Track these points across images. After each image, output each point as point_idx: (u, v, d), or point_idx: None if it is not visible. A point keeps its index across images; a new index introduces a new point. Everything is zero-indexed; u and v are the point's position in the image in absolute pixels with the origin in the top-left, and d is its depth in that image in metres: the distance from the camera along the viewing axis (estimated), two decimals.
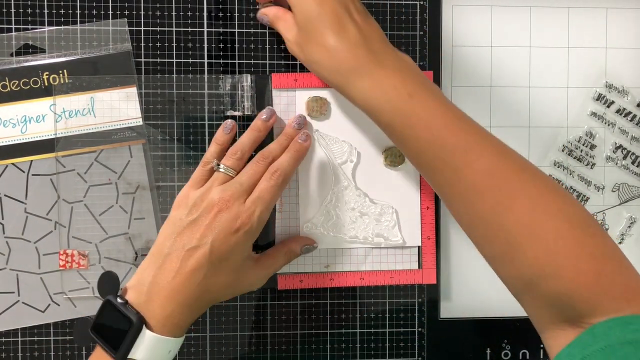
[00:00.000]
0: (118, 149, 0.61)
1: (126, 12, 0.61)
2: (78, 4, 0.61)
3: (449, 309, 0.65)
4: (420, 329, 0.65)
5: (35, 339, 0.61)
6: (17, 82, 0.60)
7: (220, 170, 0.57)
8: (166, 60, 0.62)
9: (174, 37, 0.62)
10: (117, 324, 0.52)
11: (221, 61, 0.62)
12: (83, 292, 0.61)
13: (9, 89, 0.60)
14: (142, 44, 0.61)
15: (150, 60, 0.61)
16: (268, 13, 0.60)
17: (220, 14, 0.62)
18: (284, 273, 0.63)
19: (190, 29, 0.62)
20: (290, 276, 0.63)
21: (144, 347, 0.51)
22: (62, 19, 0.60)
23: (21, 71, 0.60)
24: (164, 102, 0.61)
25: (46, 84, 0.60)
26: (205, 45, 0.62)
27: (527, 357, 0.65)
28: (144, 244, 0.61)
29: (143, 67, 0.61)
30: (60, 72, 0.60)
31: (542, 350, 0.65)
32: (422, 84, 0.54)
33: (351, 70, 0.54)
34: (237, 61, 0.62)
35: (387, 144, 0.63)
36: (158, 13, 0.61)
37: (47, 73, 0.60)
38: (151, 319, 0.52)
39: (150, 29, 0.61)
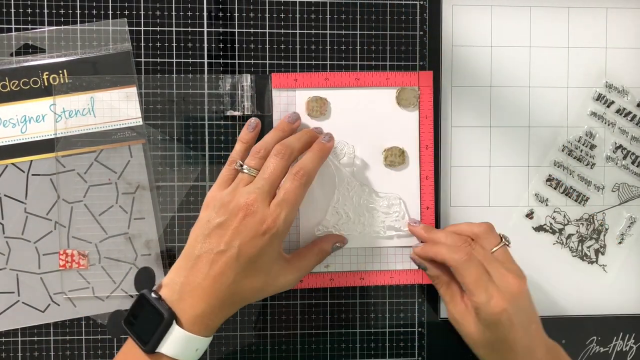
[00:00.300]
0: (118, 148, 0.61)
1: (126, 12, 0.61)
2: (78, 4, 0.61)
3: None
4: (420, 329, 0.65)
5: (35, 339, 0.61)
6: (17, 82, 0.60)
7: (244, 171, 0.56)
8: (166, 60, 0.62)
9: (174, 37, 0.62)
10: (149, 318, 0.52)
11: (221, 61, 0.62)
12: (83, 292, 0.61)
13: (8, 89, 0.60)
14: (142, 44, 0.61)
15: (150, 60, 0.61)
16: (432, 273, 0.61)
17: (220, 14, 0.62)
18: None
19: (190, 29, 0.62)
20: None
21: (173, 343, 0.52)
22: (62, 19, 0.60)
23: (21, 71, 0.60)
24: (164, 102, 0.61)
25: (46, 84, 0.60)
26: (205, 45, 0.62)
27: None
28: (143, 244, 0.61)
29: (143, 67, 0.61)
30: (60, 72, 0.60)
31: None
32: None
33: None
34: (237, 61, 0.62)
35: (387, 144, 0.63)
36: (158, 13, 0.61)
37: (47, 73, 0.60)
38: (182, 317, 0.53)
39: (150, 29, 0.61)
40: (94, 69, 0.60)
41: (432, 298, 0.65)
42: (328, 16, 0.63)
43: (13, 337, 0.61)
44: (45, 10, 0.60)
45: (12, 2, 0.60)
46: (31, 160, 0.60)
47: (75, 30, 0.60)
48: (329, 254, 0.61)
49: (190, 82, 0.62)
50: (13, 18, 0.60)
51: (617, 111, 0.66)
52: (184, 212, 0.62)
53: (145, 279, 0.57)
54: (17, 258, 0.61)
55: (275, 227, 0.54)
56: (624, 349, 0.66)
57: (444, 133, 0.64)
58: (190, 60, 0.62)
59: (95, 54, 0.60)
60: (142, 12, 0.61)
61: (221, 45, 0.62)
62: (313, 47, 0.63)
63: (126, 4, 0.61)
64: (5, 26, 0.60)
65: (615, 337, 0.66)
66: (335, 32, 0.63)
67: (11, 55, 0.60)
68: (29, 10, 0.60)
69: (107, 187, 0.61)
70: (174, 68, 0.62)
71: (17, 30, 0.60)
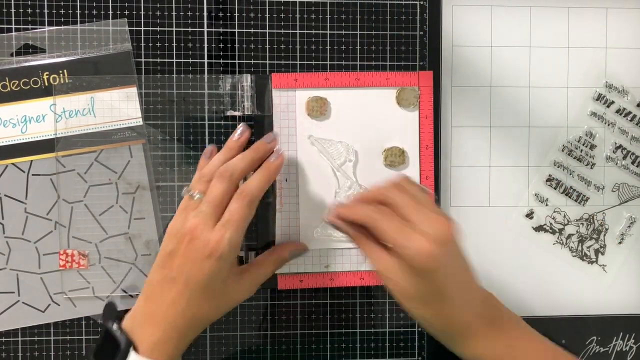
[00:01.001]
0: (118, 149, 0.61)
1: (126, 12, 0.61)
2: (78, 4, 0.61)
3: None
4: (420, 329, 0.65)
5: (35, 339, 0.61)
6: (17, 82, 0.60)
7: (194, 197, 0.56)
8: (166, 60, 0.62)
9: (174, 37, 0.62)
10: (110, 348, 0.53)
11: (221, 61, 0.62)
12: (83, 292, 0.61)
13: (9, 89, 0.60)
14: (142, 44, 0.61)
15: (151, 60, 0.61)
16: (352, 234, 0.55)
17: (220, 14, 0.62)
18: (284, 273, 0.63)
19: (190, 29, 0.62)
20: (290, 276, 0.63)
21: None
22: (62, 19, 0.60)
23: (21, 71, 0.60)
24: (164, 102, 0.61)
25: (46, 84, 0.60)
26: (205, 45, 0.62)
27: None
28: (143, 244, 0.61)
29: (143, 67, 0.61)
30: (61, 72, 0.60)
31: None
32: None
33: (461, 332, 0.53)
34: (237, 61, 0.62)
35: (387, 144, 0.63)
36: (158, 13, 0.61)
37: (47, 73, 0.60)
38: (141, 345, 0.53)
39: (150, 29, 0.61)
40: (94, 69, 0.60)
41: None
42: (328, 16, 0.63)
43: (13, 337, 0.61)
44: (46, 11, 0.60)
45: (12, 2, 0.60)
46: (31, 160, 0.60)
47: (75, 30, 0.60)
48: (286, 261, 0.61)
49: (191, 82, 0.62)
50: (13, 18, 0.60)
51: (617, 111, 0.66)
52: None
53: (108, 312, 0.59)
54: (17, 258, 0.61)
55: (220, 249, 0.53)
56: (624, 349, 0.66)
57: (444, 133, 0.64)
58: (190, 60, 0.62)
59: (95, 54, 0.60)
60: (142, 12, 0.61)
61: (221, 45, 0.62)
62: (313, 47, 0.63)
63: (126, 4, 0.61)
64: (5, 26, 0.60)
65: (615, 337, 0.66)
66: (335, 32, 0.63)
67: (11, 55, 0.60)
68: (29, 10, 0.60)
69: (107, 187, 0.61)
70: (174, 68, 0.62)
71: (17, 30, 0.60)
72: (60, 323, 0.62)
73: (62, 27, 0.60)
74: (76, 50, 0.60)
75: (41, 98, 0.60)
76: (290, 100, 0.62)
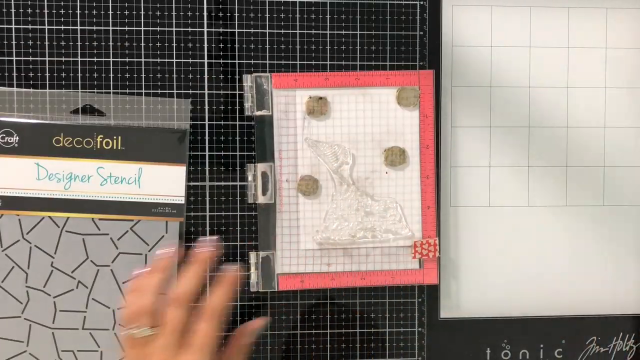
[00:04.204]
0: (155, 222, 0.61)
1: (126, 12, 0.61)
2: (78, 4, 0.60)
3: (449, 309, 0.65)
4: (420, 329, 0.65)
5: None
6: (71, 139, 0.60)
7: (140, 333, 0.53)
8: (166, 60, 0.62)
9: (174, 37, 0.62)
10: None
11: (221, 61, 0.62)
12: (90, 354, 0.61)
13: (61, 144, 0.60)
14: (142, 44, 0.61)
15: (151, 60, 0.61)
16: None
17: (220, 14, 0.62)
18: (284, 273, 0.63)
19: (190, 29, 0.62)
20: (290, 276, 0.63)
21: None
22: (62, 19, 0.60)
23: (77, 129, 0.60)
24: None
25: (98, 147, 0.60)
26: (205, 45, 0.62)
27: (527, 357, 0.65)
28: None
29: (143, 67, 0.61)
30: (115, 137, 0.60)
31: (542, 350, 0.65)
32: None
33: None
34: (237, 61, 0.62)
35: (387, 144, 0.63)
36: (158, 13, 0.61)
37: (102, 136, 0.60)
38: None
39: (150, 29, 0.61)
40: (148, 140, 0.60)
41: (432, 298, 0.65)
42: (328, 16, 0.63)
43: None
44: (46, 10, 0.60)
45: (12, 2, 0.60)
46: (68, 217, 0.60)
47: (140, 101, 0.61)
48: (251, 342, 0.60)
49: (191, 82, 0.62)
50: (13, 18, 0.60)
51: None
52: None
53: None
54: (34, 309, 0.60)
55: None
56: (624, 349, 0.66)
57: (444, 133, 0.64)
58: (190, 61, 0.62)
59: (152, 125, 0.61)
60: (142, 12, 0.61)
61: (221, 45, 0.62)
62: (313, 47, 0.63)
63: (126, 4, 0.61)
64: (5, 26, 0.60)
65: (615, 337, 0.66)
66: (335, 32, 0.63)
67: (71, 112, 0.60)
68: (29, 10, 0.60)
69: (136, 257, 0.61)
70: (174, 68, 0.62)
71: (17, 30, 0.60)
72: None
73: (127, 96, 0.61)
74: (134, 120, 0.61)
75: (91, 159, 0.60)
76: (290, 100, 0.62)
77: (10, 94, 0.60)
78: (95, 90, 0.61)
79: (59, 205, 0.60)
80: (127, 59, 0.61)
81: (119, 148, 0.60)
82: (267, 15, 0.62)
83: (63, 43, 0.60)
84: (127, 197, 0.60)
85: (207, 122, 0.62)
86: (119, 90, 0.61)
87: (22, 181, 0.60)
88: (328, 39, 0.63)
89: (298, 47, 0.63)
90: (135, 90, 0.61)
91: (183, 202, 0.61)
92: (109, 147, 0.60)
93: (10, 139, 0.60)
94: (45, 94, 0.60)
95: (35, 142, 0.60)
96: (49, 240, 0.60)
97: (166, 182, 0.61)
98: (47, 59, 0.60)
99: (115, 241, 0.61)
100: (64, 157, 0.60)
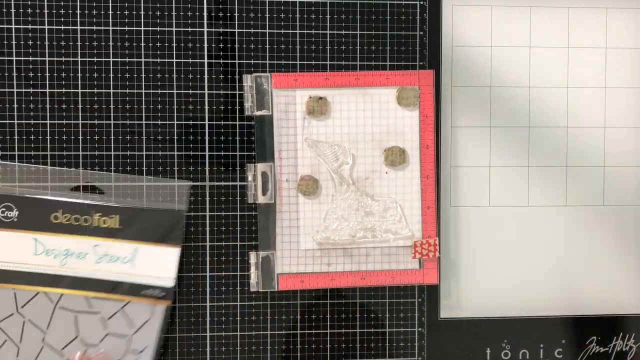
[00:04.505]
0: (143, 304, 0.61)
1: (126, 12, 0.61)
2: (78, 3, 0.61)
3: (449, 309, 0.65)
4: (420, 329, 0.65)
5: None
6: (69, 216, 0.60)
7: None
8: (166, 60, 0.62)
9: (174, 37, 0.62)
10: None
11: (221, 61, 0.62)
12: None
13: (59, 220, 0.60)
14: (142, 44, 0.61)
15: (151, 60, 0.61)
16: None
17: (220, 14, 0.62)
18: (284, 273, 0.63)
19: (190, 29, 0.62)
20: (291, 276, 0.63)
21: None
22: (62, 19, 0.60)
23: (75, 206, 0.60)
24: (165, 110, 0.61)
25: (96, 225, 0.60)
26: (205, 45, 0.62)
27: (527, 357, 0.65)
28: None
29: (143, 67, 0.61)
30: (112, 216, 0.60)
31: (542, 350, 0.65)
32: None
33: None
34: (237, 61, 0.62)
35: (387, 144, 0.63)
36: (158, 13, 0.61)
37: (100, 215, 0.60)
38: None
39: (150, 29, 0.61)
40: (145, 220, 0.61)
41: (432, 298, 0.65)
42: (328, 16, 0.63)
43: None
44: (46, 10, 0.60)
45: (12, 1, 0.60)
46: (62, 294, 0.60)
47: (141, 187, 0.61)
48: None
49: (191, 82, 0.62)
50: (13, 18, 0.60)
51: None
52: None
53: None
54: None
55: None
56: (624, 349, 0.66)
57: (443, 133, 0.64)
58: (190, 60, 0.62)
59: (151, 206, 0.61)
60: (142, 12, 0.61)
61: (221, 45, 0.62)
62: (313, 47, 0.63)
63: (126, 4, 0.61)
64: (5, 26, 0.60)
65: (615, 337, 0.66)
66: (335, 32, 0.63)
67: (71, 189, 0.60)
68: (29, 10, 0.60)
69: (121, 341, 0.61)
70: (174, 68, 0.62)
71: (17, 30, 0.60)
72: None
73: (128, 175, 0.61)
74: (133, 199, 0.61)
75: (87, 236, 0.60)
76: (290, 100, 0.62)
77: (12, 168, 0.60)
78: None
79: (54, 281, 0.60)
80: (127, 59, 0.61)
81: (117, 227, 0.60)
82: (267, 15, 0.62)
83: (63, 43, 0.60)
84: (121, 276, 0.61)
85: (207, 122, 0.62)
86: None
87: (19, 255, 0.60)
88: (328, 39, 0.63)
89: (298, 47, 0.63)
90: (136, 90, 0.61)
91: (172, 284, 0.61)
92: (105, 225, 0.60)
93: (10, 213, 0.60)
94: (47, 170, 0.61)
95: (34, 218, 0.60)
96: (43, 315, 0.60)
97: (159, 263, 0.61)
98: (47, 59, 0.60)
99: (105, 321, 0.61)
100: (61, 233, 0.60)
